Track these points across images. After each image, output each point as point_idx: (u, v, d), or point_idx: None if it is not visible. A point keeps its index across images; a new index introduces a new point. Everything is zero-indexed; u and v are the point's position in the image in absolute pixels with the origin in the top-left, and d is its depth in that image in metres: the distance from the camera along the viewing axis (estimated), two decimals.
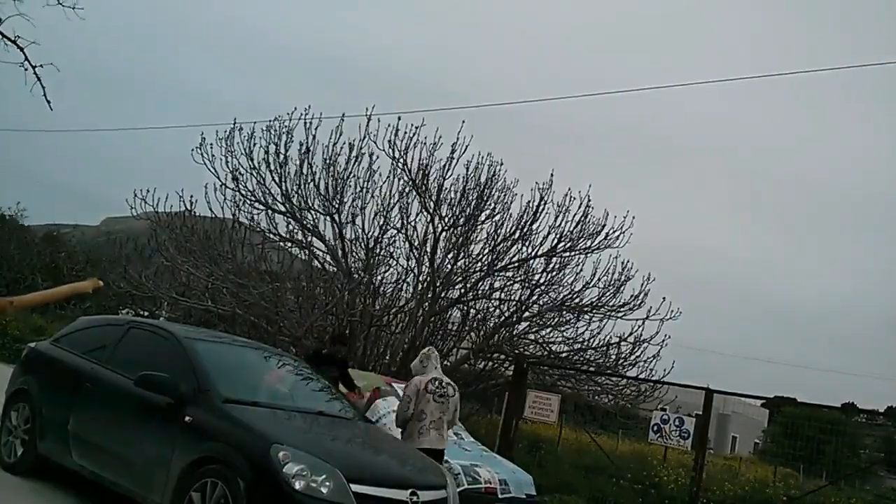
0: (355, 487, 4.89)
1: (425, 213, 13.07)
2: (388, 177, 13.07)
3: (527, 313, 13.55)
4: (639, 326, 13.34)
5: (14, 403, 6.81)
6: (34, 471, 6.48)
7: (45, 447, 6.39)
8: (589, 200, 12.99)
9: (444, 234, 13.06)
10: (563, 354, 13.81)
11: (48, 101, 8.21)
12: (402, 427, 6.73)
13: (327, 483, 4.84)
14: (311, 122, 13.13)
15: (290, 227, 13.64)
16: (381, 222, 13.08)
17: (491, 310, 13.82)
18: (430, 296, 12.98)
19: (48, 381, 6.73)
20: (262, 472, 4.86)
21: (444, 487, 5.62)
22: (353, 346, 12.69)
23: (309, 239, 13.61)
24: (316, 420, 6.00)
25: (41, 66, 7.94)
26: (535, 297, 13.42)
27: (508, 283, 13.59)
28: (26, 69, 7.88)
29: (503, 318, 13.65)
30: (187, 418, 5.37)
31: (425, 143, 12.81)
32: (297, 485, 4.76)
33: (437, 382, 6.72)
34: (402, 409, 6.68)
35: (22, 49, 7.77)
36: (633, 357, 13.50)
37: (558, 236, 13.02)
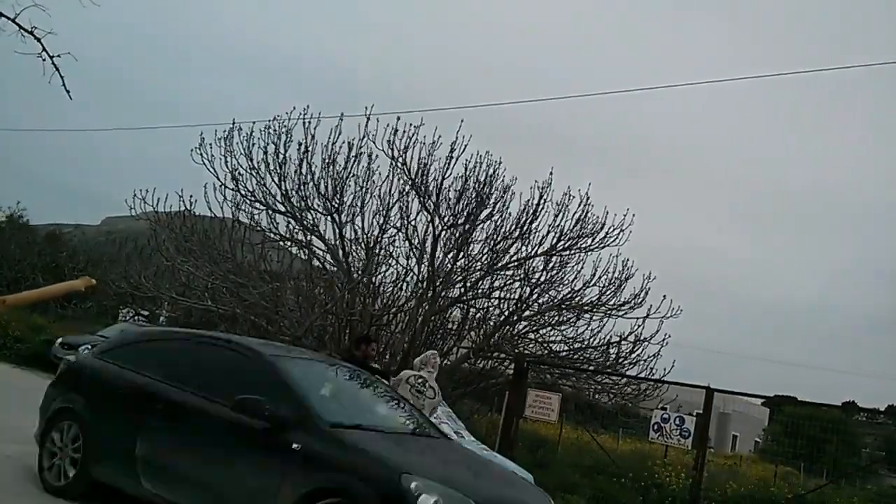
0: None
1: (425, 213, 13.05)
2: (387, 176, 13.06)
3: (527, 312, 13.52)
4: (639, 325, 13.31)
5: (57, 423, 6.33)
6: (87, 495, 6.04)
7: (103, 472, 5.98)
8: (588, 199, 12.98)
9: (443, 233, 13.03)
10: (564, 353, 13.78)
11: (68, 92, 8.17)
12: None
13: None
14: (309, 122, 13.07)
15: (291, 227, 13.63)
16: (381, 222, 13.06)
17: (491, 309, 13.81)
18: (429, 295, 12.97)
19: (101, 399, 6.24)
20: None
21: None
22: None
23: (309, 238, 13.59)
24: (416, 441, 5.74)
25: (59, 56, 7.90)
26: (535, 296, 13.39)
27: (508, 282, 13.58)
28: (44, 59, 7.83)
29: (503, 317, 13.64)
30: (295, 445, 4.92)
31: (424, 143, 12.77)
32: None
33: (420, 379, 7.14)
34: None
35: (39, 39, 7.73)
36: (633, 356, 13.47)
37: (558, 235, 13.01)
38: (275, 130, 13.26)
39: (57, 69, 7.85)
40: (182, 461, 5.56)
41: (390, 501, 4.44)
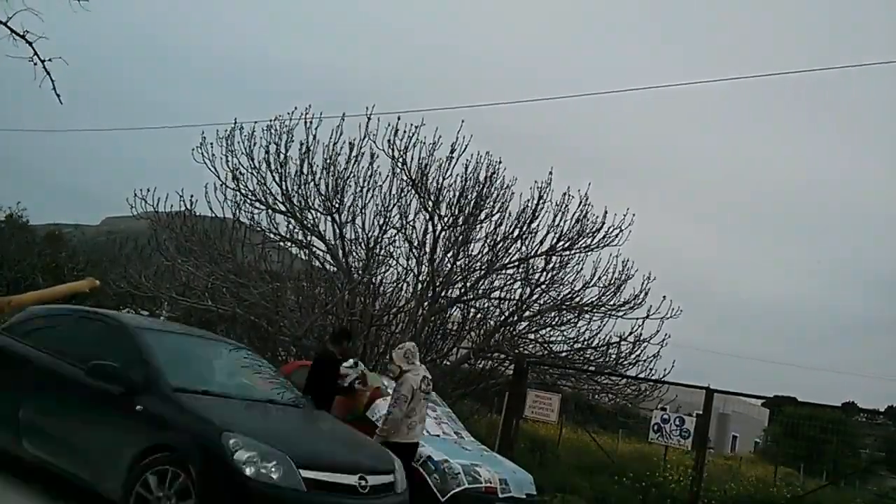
0: (305, 473, 5.06)
1: (425, 213, 13.05)
2: (387, 176, 13.07)
3: (527, 312, 13.52)
4: (639, 325, 13.31)
5: None
6: None
7: None
8: (587, 199, 12.97)
9: (443, 233, 13.03)
10: (564, 354, 13.78)
11: (58, 96, 8.22)
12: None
13: (277, 468, 4.99)
14: (311, 122, 13.10)
15: (291, 227, 13.64)
16: (381, 222, 13.06)
17: (491, 309, 13.80)
18: (429, 295, 12.96)
19: None
20: (213, 459, 4.99)
21: (391, 472, 5.82)
22: (353, 345, 12.65)
23: (309, 239, 13.60)
24: (266, 408, 6.16)
25: (49, 60, 7.92)
26: (535, 297, 13.38)
27: (508, 283, 13.58)
28: (35, 64, 7.85)
29: (503, 317, 13.63)
30: (138, 407, 5.43)
31: (424, 143, 12.77)
32: (248, 471, 4.92)
33: (426, 381, 7.17)
34: (401, 406, 6.90)
35: (31, 44, 7.74)
36: (633, 356, 13.45)
37: (557, 235, 13.01)
38: (276, 130, 13.31)
39: (48, 73, 7.88)
40: (55, 424, 6.06)
41: (210, 455, 4.99)
